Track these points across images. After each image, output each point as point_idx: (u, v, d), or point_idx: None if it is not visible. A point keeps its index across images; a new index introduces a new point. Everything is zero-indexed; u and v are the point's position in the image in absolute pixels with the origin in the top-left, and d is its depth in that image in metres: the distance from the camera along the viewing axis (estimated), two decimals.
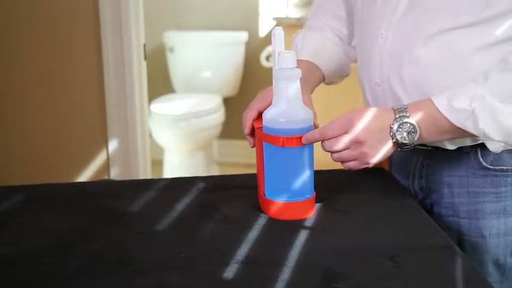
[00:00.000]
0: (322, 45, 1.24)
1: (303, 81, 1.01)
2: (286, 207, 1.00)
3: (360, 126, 0.98)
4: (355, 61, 1.26)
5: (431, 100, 0.99)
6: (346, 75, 1.31)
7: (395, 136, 0.98)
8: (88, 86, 2.42)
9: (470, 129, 0.97)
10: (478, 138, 1.02)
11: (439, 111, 0.98)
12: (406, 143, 0.99)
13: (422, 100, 1.00)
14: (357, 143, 0.98)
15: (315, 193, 1.02)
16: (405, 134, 0.98)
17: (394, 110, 0.99)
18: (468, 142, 1.06)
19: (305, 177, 0.99)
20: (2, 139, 2.39)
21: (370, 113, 0.99)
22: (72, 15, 2.35)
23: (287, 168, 0.98)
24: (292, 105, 0.98)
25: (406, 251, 0.90)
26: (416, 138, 0.98)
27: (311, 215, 1.01)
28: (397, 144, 0.99)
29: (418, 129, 0.98)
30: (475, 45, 0.99)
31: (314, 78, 1.19)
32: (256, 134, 1.03)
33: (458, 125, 0.97)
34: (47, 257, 0.89)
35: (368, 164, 1.00)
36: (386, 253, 0.88)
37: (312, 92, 1.16)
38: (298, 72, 0.97)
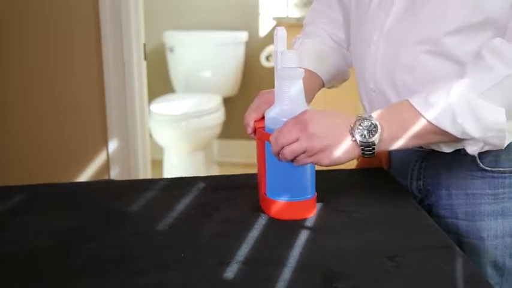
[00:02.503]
0: (320, 51, 1.24)
1: None
2: (287, 207, 1.00)
3: (310, 118, 0.93)
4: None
5: (408, 100, 0.96)
6: (346, 79, 1.31)
7: (353, 134, 0.94)
8: (88, 86, 2.41)
9: (448, 126, 0.93)
10: (454, 142, 0.98)
11: (414, 108, 0.94)
12: (366, 143, 0.94)
13: (396, 103, 0.98)
14: (306, 132, 0.93)
15: (316, 193, 1.02)
16: (365, 132, 0.94)
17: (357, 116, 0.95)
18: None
19: (306, 177, 0.99)
20: (2, 139, 2.39)
21: (326, 112, 0.96)
22: (72, 15, 2.35)
23: (288, 167, 0.98)
24: (294, 105, 0.97)
25: (406, 251, 0.90)
26: (377, 137, 0.94)
27: (312, 215, 1.01)
28: (358, 144, 0.94)
29: (379, 127, 0.94)
30: (466, 49, 0.99)
31: (312, 89, 1.18)
32: (258, 133, 1.03)
33: (434, 122, 0.94)
34: (47, 257, 0.89)
35: (324, 160, 0.94)
36: (386, 253, 0.88)
37: (309, 103, 1.16)
38: (301, 72, 0.97)
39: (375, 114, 0.96)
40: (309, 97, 1.16)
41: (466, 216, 1.08)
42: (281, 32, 0.99)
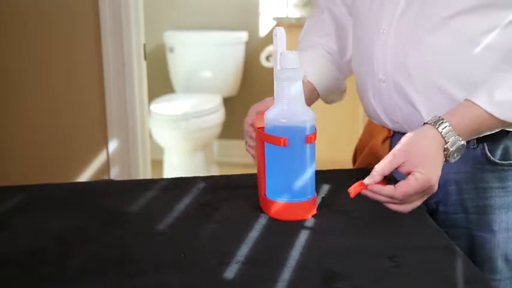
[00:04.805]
0: (315, 61, 1.26)
1: None
2: (287, 207, 1.00)
3: (435, 182, 0.95)
4: (349, 75, 1.29)
5: (470, 100, 0.98)
6: (343, 91, 1.32)
7: (449, 160, 0.98)
8: (88, 86, 2.41)
9: None
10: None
11: (480, 108, 0.97)
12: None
13: (458, 106, 0.99)
14: (430, 192, 0.96)
15: (316, 194, 1.02)
16: (456, 154, 0.97)
17: (443, 137, 0.96)
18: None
19: (307, 177, 0.99)
20: (2, 139, 2.39)
21: (439, 165, 0.96)
22: (72, 15, 2.35)
23: (288, 168, 0.98)
24: (293, 106, 0.98)
25: (406, 251, 0.90)
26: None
27: (312, 215, 1.01)
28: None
29: (464, 144, 0.97)
30: (481, 28, 1.00)
31: (309, 99, 1.18)
32: (257, 134, 1.03)
33: (502, 117, 0.97)
34: (47, 257, 0.89)
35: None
36: (386, 253, 0.88)
37: None
38: (301, 72, 0.97)
39: (457, 131, 0.96)
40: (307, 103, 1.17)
41: (476, 210, 1.09)
42: (280, 32, 0.99)
